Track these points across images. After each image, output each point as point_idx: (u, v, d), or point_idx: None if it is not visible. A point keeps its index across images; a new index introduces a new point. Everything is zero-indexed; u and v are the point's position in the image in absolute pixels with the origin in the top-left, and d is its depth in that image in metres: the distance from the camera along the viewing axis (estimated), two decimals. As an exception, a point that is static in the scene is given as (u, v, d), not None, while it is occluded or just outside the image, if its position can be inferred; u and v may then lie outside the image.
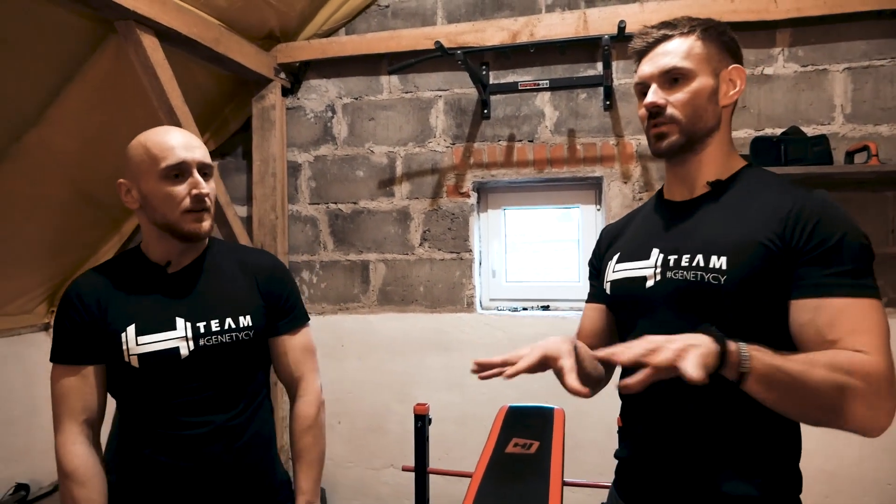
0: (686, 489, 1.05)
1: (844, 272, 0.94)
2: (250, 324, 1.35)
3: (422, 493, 2.31)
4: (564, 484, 1.94)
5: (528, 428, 2.19)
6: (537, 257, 3.16)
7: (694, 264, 1.04)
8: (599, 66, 2.75)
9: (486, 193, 3.09)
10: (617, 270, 1.20)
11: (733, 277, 0.99)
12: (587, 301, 1.36)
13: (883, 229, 2.53)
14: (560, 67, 2.85)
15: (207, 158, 1.32)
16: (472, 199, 2.99)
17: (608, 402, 1.27)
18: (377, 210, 3.10)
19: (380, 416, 3.09)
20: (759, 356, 0.88)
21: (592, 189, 2.97)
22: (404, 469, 2.43)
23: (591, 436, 2.75)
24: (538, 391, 2.86)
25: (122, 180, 1.31)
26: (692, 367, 0.80)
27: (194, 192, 1.26)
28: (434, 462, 2.57)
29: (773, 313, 0.99)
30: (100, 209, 3.12)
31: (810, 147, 2.39)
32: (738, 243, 1.01)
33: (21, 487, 3.24)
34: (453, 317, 3.01)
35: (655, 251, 1.12)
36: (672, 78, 1.10)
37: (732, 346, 0.88)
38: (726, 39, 1.12)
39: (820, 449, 2.56)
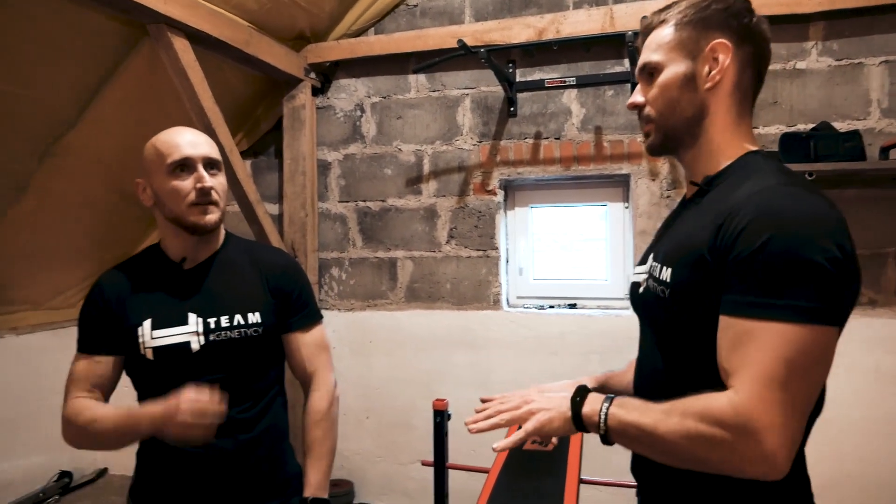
0: (682, 495, 1.01)
1: (753, 287, 0.82)
2: (259, 320, 1.39)
3: (440, 488, 2.32)
4: (586, 482, 1.94)
5: (548, 425, 2.20)
6: (564, 255, 3.15)
7: (654, 274, 1.01)
8: (626, 62, 2.73)
9: (513, 191, 3.10)
10: (633, 274, 1.18)
11: (674, 290, 0.94)
12: None
13: (920, 227, 2.46)
14: (587, 64, 2.84)
15: (214, 154, 1.37)
16: (499, 197, 3.00)
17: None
18: (405, 208, 3.14)
19: (406, 412, 3.13)
20: (617, 414, 0.90)
21: (620, 186, 2.95)
22: (423, 464, 2.45)
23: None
24: (564, 389, 2.86)
25: (138, 179, 1.38)
26: (522, 431, 0.96)
27: (199, 185, 1.31)
28: (462, 460, 2.58)
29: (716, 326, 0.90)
30: (139, 206, 3.17)
31: (842, 143, 2.33)
32: (682, 253, 0.95)
33: (65, 475, 3.38)
34: (480, 314, 3.03)
35: (651, 256, 1.08)
36: (648, 73, 1.04)
37: (589, 408, 0.93)
38: (708, 14, 1.00)
39: (830, 453, 2.50)
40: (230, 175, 2.70)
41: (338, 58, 3.10)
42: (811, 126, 2.51)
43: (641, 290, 1.07)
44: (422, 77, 3.07)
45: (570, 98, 2.87)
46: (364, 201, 3.20)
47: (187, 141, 1.33)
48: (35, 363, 3.26)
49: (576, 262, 3.13)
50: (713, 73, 0.99)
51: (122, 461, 3.60)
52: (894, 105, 2.50)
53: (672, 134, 1.03)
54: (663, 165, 2.76)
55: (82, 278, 3.33)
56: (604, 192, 2.99)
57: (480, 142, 3.01)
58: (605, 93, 2.82)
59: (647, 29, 1.06)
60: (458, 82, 3.03)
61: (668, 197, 2.75)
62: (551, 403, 0.96)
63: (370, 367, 3.18)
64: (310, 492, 1.37)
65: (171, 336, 1.33)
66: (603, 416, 0.90)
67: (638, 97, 1.06)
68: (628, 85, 2.74)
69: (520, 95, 2.92)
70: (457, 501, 2.39)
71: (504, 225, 3.06)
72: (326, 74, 3.20)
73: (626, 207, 2.93)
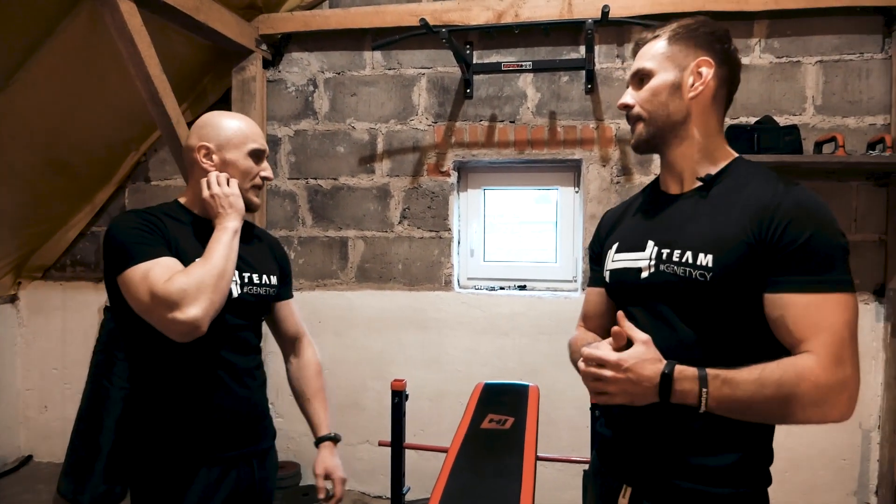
0: (663, 464, 1.14)
1: (811, 269, 1.01)
2: (275, 283, 1.61)
3: (398, 468, 2.34)
4: (538, 459, 2.00)
5: (503, 404, 2.24)
6: (515, 238, 3.20)
7: (683, 260, 1.11)
8: (582, 49, 2.78)
9: (467, 173, 3.11)
10: (616, 260, 1.27)
11: (718, 274, 1.06)
12: (589, 285, 1.43)
13: (847, 218, 2.65)
14: (543, 49, 2.88)
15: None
16: (453, 179, 3.01)
17: (581, 380, 1.30)
18: (357, 187, 3.09)
19: (356, 393, 3.11)
20: (714, 394, 1.01)
21: (571, 171, 3.01)
22: (380, 444, 2.46)
23: (564, 413, 2.82)
24: (513, 370, 2.92)
25: (202, 143, 1.44)
26: (610, 399, 1.06)
27: (263, 174, 1.52)
28: (409, 438, 2.60)
29: (754, 306, 1.07)
30: (71, 179, 3.04)
31: (782, 136, 2.48)
32: (722, 241, 1.08)
33: (-16, 462, 3.16)
34: (431, 295, 3.04)
35: (651, 243, 1.19)
36: (640, 79, 1.20)
37: (680, 386, 1.02)
38: (697, 35, 1.16)
39: (780, 427, 2.68)
40: (175, 148, 2.58)
41: (291, 30, 3.00)
42: (753, 119, 2.65)
43: (647, 274, 1.17)
44: (377, 54, 3.02)
45: (526, 82, 2.91)
46: (315, 179, 3.14)
47: (260, 134, 1.54)
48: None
49: (526, 245, 3.19)
50: (696, 84, 1.15)
51: (49, 448, 3.40)
52: (827, 103, 2.67)
53: (658, 133, 1.19)
54: (614, 152, 2.84)
55: (5, 254, 3.11)
56: (556, 177, 3.05)
57: (435, 122, 3.00)
58: (561, 79, 2.87)
59: (642, 42, 1.22)
60: (414, 61, 3.00)
61: (617, 183, 2.84)
62: (634, 391, 1.04)
63: (319, 347, 3.03)
64: (325, 431, 1.72)
65: None
66: (704, 400, 1.01)
67: (629, 99, 1.21)
68: (583, 72, 2.80)
69: (476, 77, 2.93)
70: (409, 480, 2.41)
71: (457, 206, 3.07)
72: (278, 47, 3.10)
73: (577, 192, 3.00)
